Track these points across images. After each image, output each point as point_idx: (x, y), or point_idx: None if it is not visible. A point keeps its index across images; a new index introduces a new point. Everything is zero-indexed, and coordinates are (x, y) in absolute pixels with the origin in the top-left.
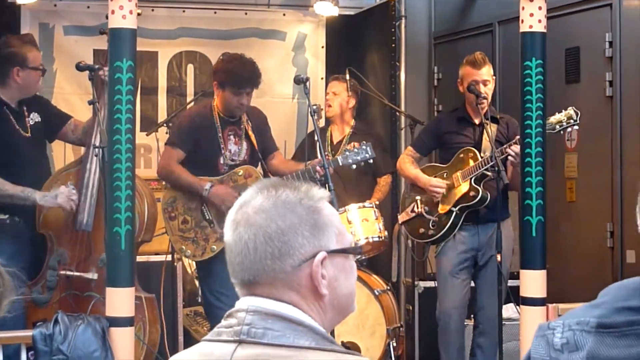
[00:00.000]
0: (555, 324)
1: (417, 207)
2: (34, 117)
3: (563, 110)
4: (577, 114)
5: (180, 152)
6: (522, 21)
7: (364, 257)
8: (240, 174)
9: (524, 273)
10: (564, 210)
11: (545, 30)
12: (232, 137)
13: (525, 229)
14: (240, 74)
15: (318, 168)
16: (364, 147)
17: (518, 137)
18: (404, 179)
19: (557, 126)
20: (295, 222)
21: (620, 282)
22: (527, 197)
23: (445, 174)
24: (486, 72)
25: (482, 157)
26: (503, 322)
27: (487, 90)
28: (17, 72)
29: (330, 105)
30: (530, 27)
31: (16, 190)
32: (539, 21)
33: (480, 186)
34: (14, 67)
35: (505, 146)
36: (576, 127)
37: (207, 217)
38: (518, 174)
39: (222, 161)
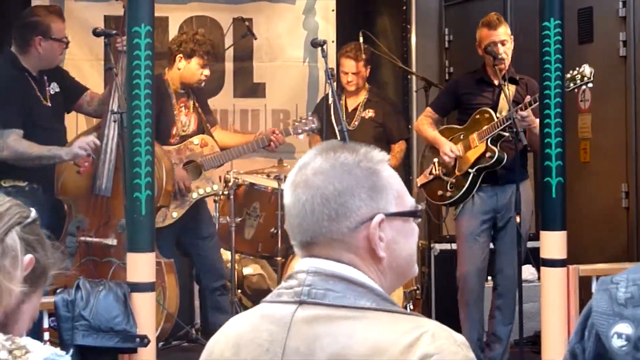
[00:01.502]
0: (619, 279)
1: (435, 170)
2: (54, 87)
3: (577, 68)
4: (591, 72)
5: None
6: None
7: None
8: (196, 142)
9: (544, 234)
10: (578, 171)
11: None
12: (183, 108)
13: (545, 190)
14: (207, 48)
15: (272, 137)
16: (310, 118)
17: (528, 98)
18: (417, 144)
19: (571, 84)
20: (352, 184)
21: None
22: (547, 158)
23: (462, 135)
24: (503, 32)
25: (497, 118)
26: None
27: (506, 49)
28: (40, 41)
29: (349, 83)
30: None
31: (42, 151)
32: None
33: (496, 147)
34: (37, 36)
35: (517, 108)
36: (590, 85)
37: None
38: (535, 135)
39: (174, 131)
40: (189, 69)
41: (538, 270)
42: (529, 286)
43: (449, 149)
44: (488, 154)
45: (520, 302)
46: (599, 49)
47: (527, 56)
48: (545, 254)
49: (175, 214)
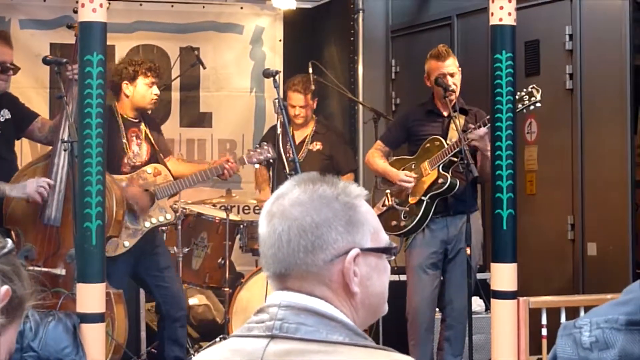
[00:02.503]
0: (581, 323)
1: (388, 201)
2: (4, 114)
3: (525, 89)
4: (538, 92)
5: None
6: (492, 14)
7: None
8: (149, 172)
9: (495, 266)
10: (525, 203)
11: (515, 24)
12: (134, 138)
13: (496, 222)
14: (148, 65)
15: (226, 166)
16: (265, 147)
17: (481, 121)
18: (364, 176)
19: (520, 105)
20: (330, 217)
21: None
22: (498, 190)
23: (413, 165)
24: (451, 63)
25: (448, 144)
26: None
27: (455, 81)
28: None
29: (296, 116)
30: (500, 19)
31: None
32: (509, 14)
33: (448, 173)
34: None
35: (469, 130)
36: (538, 105)
37: None
38: (487, 158)
39: (125, 160)
40: (137, 92)
41: (485, 302)
42: (477, 317)
43: (404, 175)
44: (440, 180)
45: (470, 334)
46: (545, 81)
47: (474, 87)
48: (496, 285)
49: (127, 243)
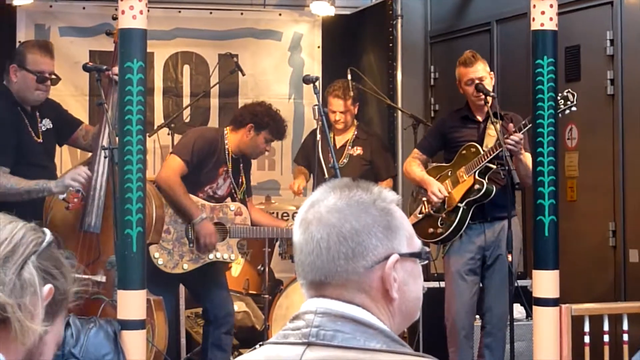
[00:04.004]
0: None
1: (425, 208)
2: (46, 123)
3: (559, 94)
4: (573, 96)
5: (184, 168)
6: (533, 19)
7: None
8: (232, 209)
9: (537, 273)
10: (565, 210)
11: (556, 29)
12: (224, 172)
13: (538, 228)
14: (281, 126)
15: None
16: None
17: (512, 127)
18: (403, 182)
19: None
20: (369, 223)
21: None
22: (539, 196)
23: (449, 172)
24: (481, 68)
25: (484, 151)
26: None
27: (485, 85)
28: (15, 70)
29: (337, 121)
30: (542, 25)
31: (30, 185)
32: (550, 19)
33: (484, 179)
34: (12, 64)
35: (505, 136)
36: (574, 109)
37: (190, 237)
38: (522, 162)
39: (206, 188)
40: (254, 141)
41: (527, 309)
42: (518, 325)
43: (437, 188)
44: (476, 187)
45: (512, 341)
46: (586, 86)
47: (513, 93)
48: (538, 292)
49: (186, 266)
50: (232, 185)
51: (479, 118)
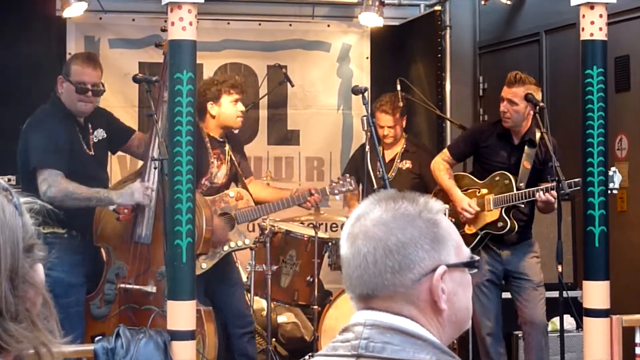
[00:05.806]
0: None
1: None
2: (98, 134)
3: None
4: (619, 180)
5: None
6: (583, 29)
7: None
8: (231, 195)
9: (587, 284)
10: (616, 220)
11: (606, 39)
12: (215, 160)
13: (588, 239)
14: (231, 79)
15: (309, 198)
16: (348, 179)
17: (545, 186)
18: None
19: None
20: (415, 235)
21: None
22: (590, 207)
23: (477, 191)
24: (516, 92)
25: (517, 188)
26: (555, 334)
27: (513, 109)
28: (61, 81)
29: (385, 136)
30: (591, 35)
31: (91, 192)
32: (600, 29)
33: (509, 216)
34: (60, 75)
35: (541, 188)
36: (615, 192)
37: None
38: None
39: (203, 181)
40: (223, 112)
41: (577, 320)
42: (569, 336)
43: (467, 204)
44: (500, 224)
45: (562, 352)
46: (636, 97)
47: (562, 103)
48: (588, 303)
49: (204, 265)
50: (228, 171)
51: (515, 141)
